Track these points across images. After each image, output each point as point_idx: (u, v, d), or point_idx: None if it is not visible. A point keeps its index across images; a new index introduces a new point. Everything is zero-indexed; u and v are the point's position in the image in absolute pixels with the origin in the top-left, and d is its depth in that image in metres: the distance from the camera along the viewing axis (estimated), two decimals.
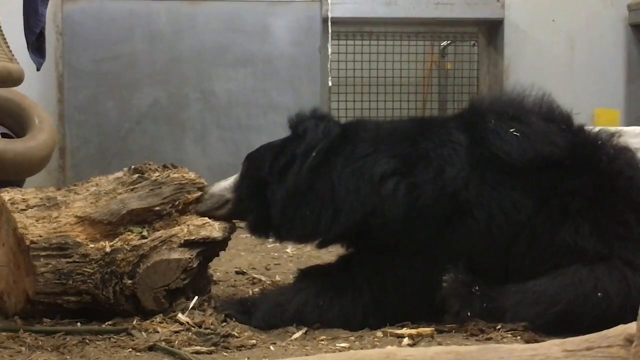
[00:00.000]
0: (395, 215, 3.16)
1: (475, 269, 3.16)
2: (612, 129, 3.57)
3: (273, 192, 3.33)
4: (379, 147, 3.28)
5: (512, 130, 3.23)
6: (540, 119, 3.31)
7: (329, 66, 6.97)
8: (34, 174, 5.57)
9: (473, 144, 3.24)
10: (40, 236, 3.18)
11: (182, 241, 3.31)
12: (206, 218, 3.41)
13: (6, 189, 3.39)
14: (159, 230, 3.34)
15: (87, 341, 3.01)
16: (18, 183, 5.26)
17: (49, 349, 2.94)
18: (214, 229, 3.39)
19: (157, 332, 3.07)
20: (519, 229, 3.16)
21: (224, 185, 3.47)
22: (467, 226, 3.17)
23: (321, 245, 3.49)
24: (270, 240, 3.63)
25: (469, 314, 3.08)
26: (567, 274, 3.06)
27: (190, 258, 3.31)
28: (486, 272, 3.17)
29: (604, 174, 3.21)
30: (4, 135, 5.45)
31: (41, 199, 3.33)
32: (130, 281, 3.23)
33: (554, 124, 3.30)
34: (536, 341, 2.78)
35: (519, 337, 2.94)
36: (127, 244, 3.24)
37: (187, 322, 3.16)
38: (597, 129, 3.44)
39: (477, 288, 3.09)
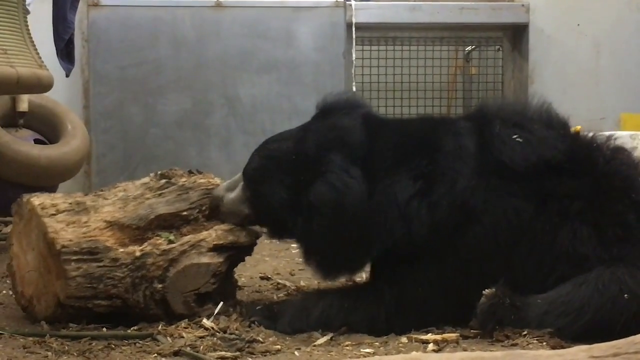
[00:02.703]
0: (419, 233, 3.18)
1: (485, 276, 3.16)
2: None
3: (295, 233, 3.31)
4: (397, 170, 3.25)
5: (515, 136, 3.25)
6: (541, 125, 3.32)
7: (353, 72, 6.97)
8: (67, 180, 5.62)
9: (479, 150, 3.26)
10: (71, 240, 3.20)
11: (211, 245, 3.33)
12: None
13: (36, 194, 3.42)
14: (186, 235, 3.36)
15: (113, 346, 3.03)
16: (51, 189, 5.31)
17: (75, 354, 2.95)
18: (242, 234, 3.41)
19: (183, 337, 3.08)
20: (520, 235, 3.17)
21: (237, 198, 3.41)
22: (475, 233, 3.19)
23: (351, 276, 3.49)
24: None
25: (497, 328, 3.07)
26: (590, 280, 3.03)
27: (219, 262, 3.33)
28: (493, 278, 3.15)
29: (601, 175, 3.22)
30: (38, 142, 5.51)
31: (70, 204, 3.35)
32: (160, 285, 3.24)
33: (554, 130, 3.32)
34: (562, 347, 2.76)
35: (544, 343, 2.92)
36: (157, 249, 3.26)
37: (212, 328, 3.16)
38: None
39: (508, 301, 3.08)
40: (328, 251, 3.25)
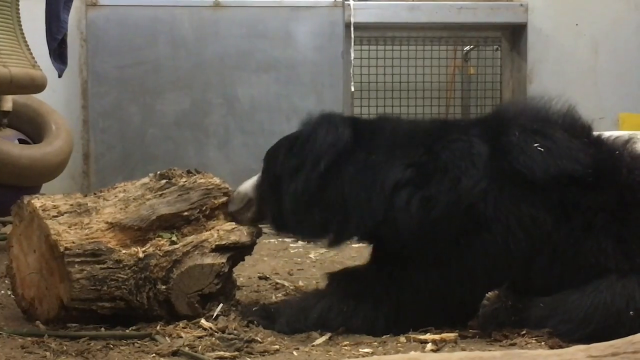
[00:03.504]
0: (407, 226, 3.12)
1: (494, 284, 3.14)
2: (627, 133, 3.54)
3: (284, 190, 3.34)
4: (394, 153, 3.23)
5: (536, 145, 3.16)
6: (565, 133, 3.23)
7: (351, 71, 6.97)
8: (50, 180, 5.60)
9: (494, 156, 3.17)
10: (74, 242, 3.19)
11: (214, 246, 3.34)
12: (234, 223, 3.44)
13: (36, 195, 3.41)
14: (187, 236, 3.36)
15: (111, 346, 3.03)
16: (34, 189, 5.29)
17: (74, 354, 2.95)
18: (243, 234, 3.42)
19: (181, 337, 3.08)
20: (539, 246, 3.11)
21: (249, 184, 3.49)
22: (483, 240, 3.12)
23: (331, 246, 3.48)
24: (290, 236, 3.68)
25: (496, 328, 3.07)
26: (599, 290, 2.99)
27: (222, 263, 3.34)
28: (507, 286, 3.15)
29: (625, 187, 3.16)
30: (21, 141, 5.49)
31: (72, 205, 3.34)
32: (164, 287, 3.24)
33: (577, 139, 3.24)
34: (560, 347, 2.76)
35: (543, 343, 2.93)
36: (160, 250, 3.26)
37: (211, 328, 3.16)
38: (613, 135, 3.40)
39: (510, 303, 3.07)
40: (303, 213, 3.30)
